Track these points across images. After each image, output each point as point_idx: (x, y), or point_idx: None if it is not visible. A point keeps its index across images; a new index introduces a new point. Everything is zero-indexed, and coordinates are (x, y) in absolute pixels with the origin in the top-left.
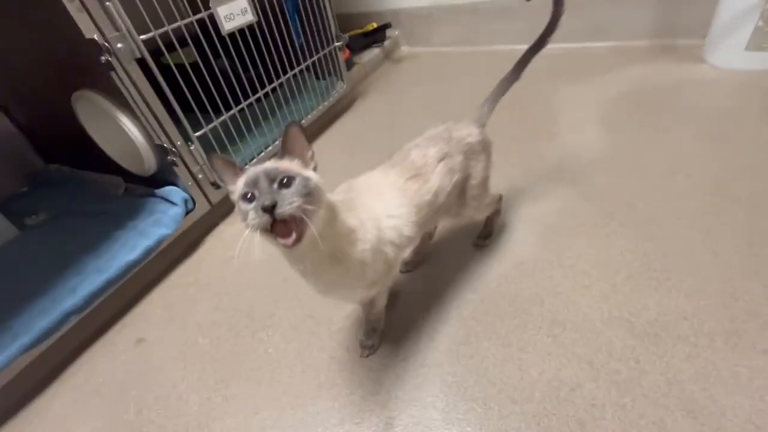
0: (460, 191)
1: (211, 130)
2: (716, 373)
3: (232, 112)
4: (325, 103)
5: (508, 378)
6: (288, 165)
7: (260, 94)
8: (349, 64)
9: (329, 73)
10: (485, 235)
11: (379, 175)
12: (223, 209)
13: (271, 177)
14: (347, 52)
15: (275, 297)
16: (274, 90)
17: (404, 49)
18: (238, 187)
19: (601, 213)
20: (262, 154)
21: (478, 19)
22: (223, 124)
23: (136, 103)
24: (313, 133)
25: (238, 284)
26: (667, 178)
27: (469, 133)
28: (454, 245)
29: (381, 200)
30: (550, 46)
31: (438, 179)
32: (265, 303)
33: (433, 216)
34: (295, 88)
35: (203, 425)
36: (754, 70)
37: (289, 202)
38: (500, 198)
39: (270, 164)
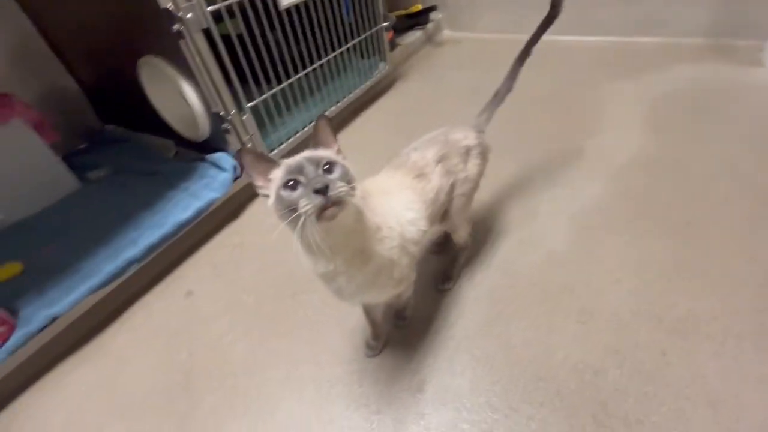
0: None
1: (261, 102)
2: (741, 372)
3: (282, 85)
4: (368, 83)
5: (535, 357)
6: (325, 153)
7: (309, 69)
8: (392, 45)
9: (373, 53)
10: (447, 277)
11: (386, 177)
12: None
13: (315, 162)
14: (391, 33)
15: None
16: (320, 66)
17: (446, 33)
18: (276, 176)
19: (636, 212)
20: (306, 128)
21: (524, 6)
22: (273, 97)
23: (200, 72)
24: (354, 110)
25: (280, 249)
26: (708, 183)
27: (466, 136)
28: (489, 228)
29: (395, 198)
30: (597, 38)
31: (438, 179)
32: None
33: (435, 216)
34: (340, 65)
35: (248, 372)
36: None
37: (339, 186)
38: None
39: (308, 153)
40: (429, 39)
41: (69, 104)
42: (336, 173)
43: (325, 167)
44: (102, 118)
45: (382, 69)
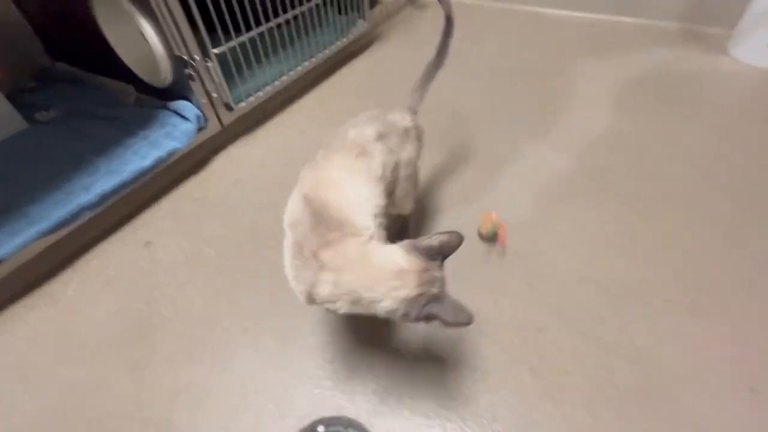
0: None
1: (229, 50)
2: (665, 333)
3: (251, 33)
4: (344, 40)
5: (486, 316)
6: None
7: (281, 19)
8: (372, 3)
9: (351, 9)
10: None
11: (324, 169)
12: (234, 132)
13: None
14: None
15: (279, 220)
16: (294, 18)
17: None
18: None
19: (596, 186)
20: (277, 82)
21: None
22: (241, 46)
23: (159, 9)
24: (327, 70)
25: (245, 205)
26: (665, 163)
27: (402, 117)
28: (451, 194)
29: (347, 192)
30: (583, 14)
31: (381, 156)
32: (270, 225)
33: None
34: (316, 19)
35: (207, 322)
36: None
37: None
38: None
39: None
40: (412, 1)
41: (13, 38)
42: None
43: None
44: (52, 55)
45: (360, 27)
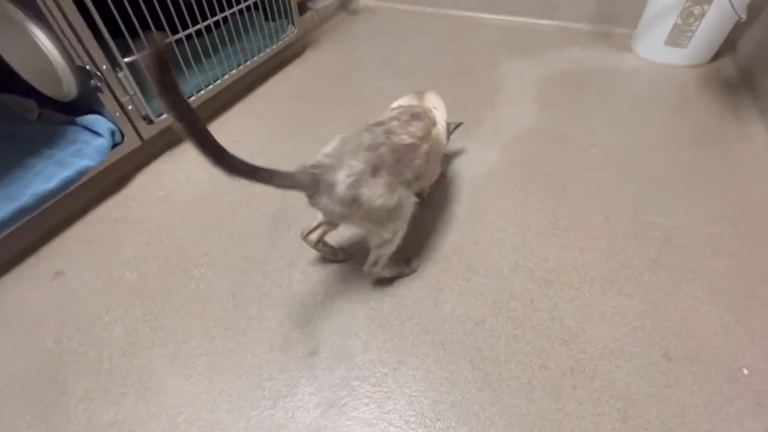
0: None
1: (143, 59)
2: (589, 312)
3: (168, 40)
4: (274, 47)
5: (425, 314)
6: None
7: (201, 26)
8: (302, 9)
9: (280, 15)
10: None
11: None
12: (157, 146)
13: None
14: None
15: (209, 237)
16: (217, 25)
17: (362, 1)
18: None
19: (523, 178)
20: (202, 92)
21: None
22: None
23: (53, 16)
24: (260, 76)
25: (171, 223)
26: (582, 152)
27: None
28: None
29: None
30: (504, 17)
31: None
32: (199, 242)
33: None
34: (241, 26)
35: (129, 353)
36: (670, 64)
37: None
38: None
39: None
40: (343, 6)
41: None
42: None
43: None
44: None
45: (291, 33)
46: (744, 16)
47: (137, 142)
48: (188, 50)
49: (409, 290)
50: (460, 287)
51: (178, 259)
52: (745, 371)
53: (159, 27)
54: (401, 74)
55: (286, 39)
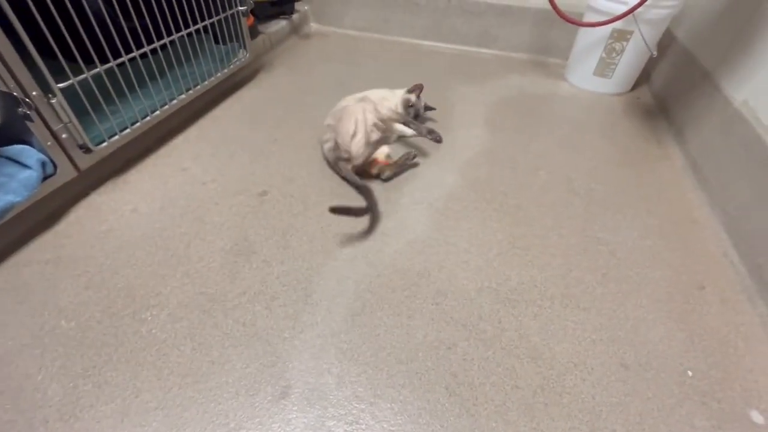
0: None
1: (81, 83)
2: (553, 327)
3: (108, 65)
4: (225, 71)
5: (397, 342)
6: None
7: (146, 49)
8: (254, 33)
9: (231, 39)
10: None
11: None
12: (96, 176)
13: None
14: (251, 19)
15: (162, 274)
16: (164, 48)
17: (313, 26)
18: None
19: (481, 199)
20: (148, 118)
21: (387, 8)
22: (97, 78)
23: None
24: (211, 101)
25: (115, 261)
26: (532, 173)
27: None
28: (354, 223)
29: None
30: (451, 46)
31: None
32: (149, 281)
33: None
34: (190, 49)
35: (68, 415)
36: (598, 92)
37: None
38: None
39: None
40: (295, 30)
41: None
42: None
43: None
44: None
45: (242, 57)
46: (655, 53)
47: (72, 173)
48: (132, 73)
49: (380, 319)
50: (430, 312)
51: (124, 302)
52: (690, 373)
53: (98, 48)
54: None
55: (237, 63)
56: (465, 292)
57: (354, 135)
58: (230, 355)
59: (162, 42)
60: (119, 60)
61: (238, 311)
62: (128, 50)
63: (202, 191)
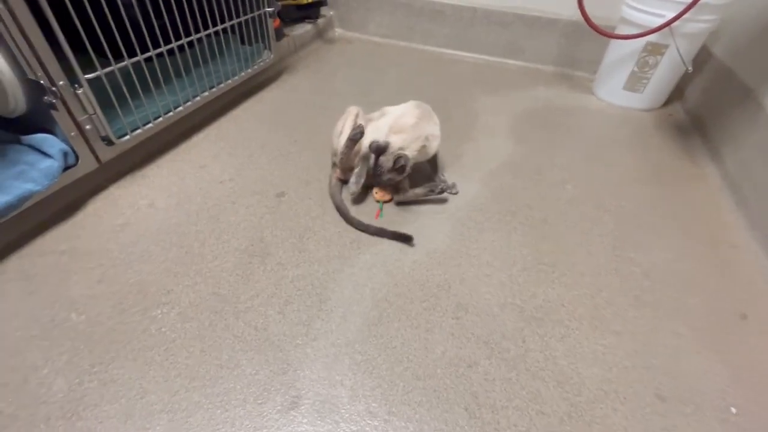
0: None
1: (107, 76)
2: (581, 351)
3: (136, 59)
4: (249, 70)
5: (414, 356)
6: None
7: (173, 45)
8: (279, 35)
9: (256, 40)
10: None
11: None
12: (115, 170)
13: None
14: (277, 21)
15: (175, 271)
16: (191, 46)
17: (338, 31)
18: None
19: (505, 211)
20: (171, 113)
21: (412, 16)
22: (124, 71)
23: (4, 23)
24: (232, 100)
25: (129, 256)
26: (558, 186)
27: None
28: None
29: None
30: (475, 56)
31: None
32: (162, 278)
33: None
34: (216, 47)
35: (71, 413)
36: (628, 107)
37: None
38: None
39: None
40: (320, 35)
41: None
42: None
43: None
44: None
45: (267, 58)
46: (691, 68)
47: (93, 165)
48: (158, 69)
49: (397, 331)
50: (450, 326)
51: (136, 298)
52: (733, 410)
53: (127, 44)
54: (379, 105)
55: (261, 63)
56: (487, 307)
57: (341, 133)
58: (240, 359)
59: (189, 39)
60: (146, 54)
61: (250, 314)
62: (156, 46)
63: (219, 189)
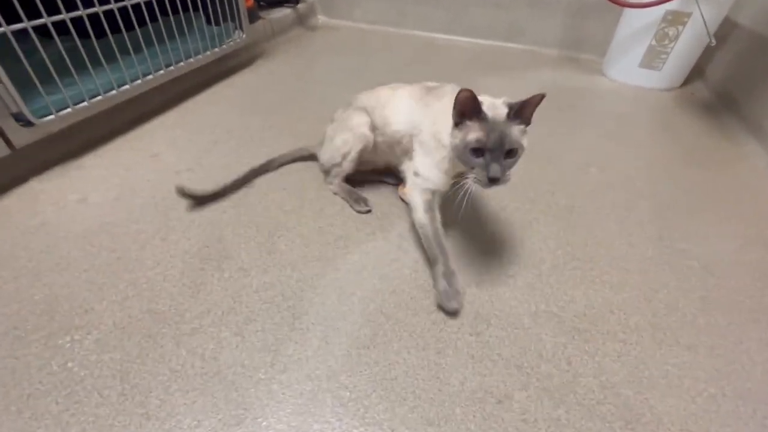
0: None
1: (23, 40)
2: (648, 374)
3: (59, 17)
4: (216, 50)
5: (423, 391)
6: (517, 133)
7: (112, 6)
8: (253, 17)
9: (224, 19)
10: None
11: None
12: (39, 159)
13: (505, 144)
14: (251, 0)
15: (99, 283)
16: (142, 24)
17: (321, 18)
18: (472, 130)
19: (522, 198)
20: (113, 92)
21: (401, 0)
22: (41, 34)
23: None
24: (200, 83)
25: (39, 264)
26: (581, 170)
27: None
28: (359, 225)
29: None
30: (470, 40)
31: None
32: (80, 292)
33: None
34: (175, 26)
35: None
36: (645, 86)
37: (507, 179)
38: None
39: (504, 125)
40: (301, 21)
41: None
42: (513, 162)
43: (508, 152)
44: None
45: (238, 38)
46: (714, 41)
47: (5, 151)
48: (96, 43)
49: (397, 353)
50: (468, 346)
51: (39, 321)
52: None
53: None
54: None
55: (231, 44)
56: (515, 317)
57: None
58: (176, 404)
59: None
60: (73, 14)
61: (197, 338)
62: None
63: (173, 181)
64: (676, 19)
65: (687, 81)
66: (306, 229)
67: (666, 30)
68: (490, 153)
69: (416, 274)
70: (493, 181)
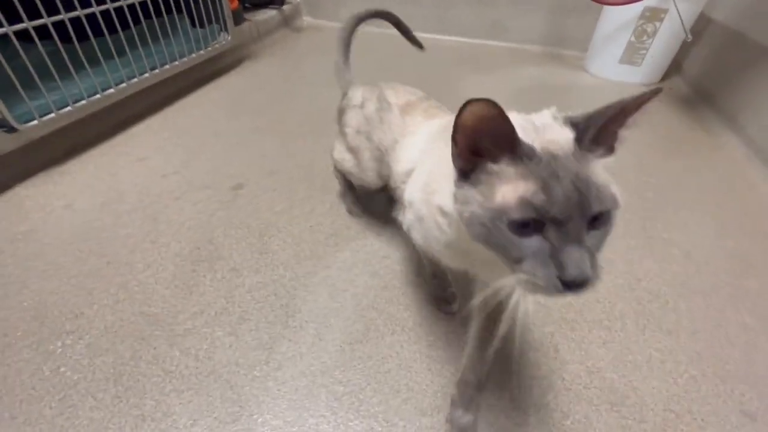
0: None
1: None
2: (632, 358)
3: (40, 21)
4: (202, 52)
5: (416, 382)
6: (603, 174)
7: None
8: (238, 19)
9: (209, 21)
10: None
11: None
12: (23, 165)
13: (590, 204)
14: (235, 2)
15: (89, 288)
16: (126, 27)
17: (306, 19)
18: (505, 182)
19: None
20: (97, 96)
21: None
22: (23, 38)
23: None
24: (186, 87)
25: (27, 271)
26: None
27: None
28: (349, 224)
29: None
30: (454, 39)
31: None
32: (69, 297)
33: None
34: (158, 28)
35: None
36: (625, 81)
37: (598, 275)
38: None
39: (576, 161)
40: (287, 22)
41: None
42: (604, 236)
43: (593, 219)
44: None
45: (223, 40)
46: (690, 37)
47: None
48: (78, 47)
49: (390, 347)
50: (460, 336)
51: (29, 327)
52: None
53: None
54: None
55: (217, 46)
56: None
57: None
58: (171, 405)
59: (115, 4)
60: (55, 18)
61: (191, 339)
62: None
63: (161, 185)
64: (654, 15)
65: (666, 76)
66: (297, 229)
67: (644, 26)
68: (558, 227)
69: (406, 270)
70: (573, 285)
